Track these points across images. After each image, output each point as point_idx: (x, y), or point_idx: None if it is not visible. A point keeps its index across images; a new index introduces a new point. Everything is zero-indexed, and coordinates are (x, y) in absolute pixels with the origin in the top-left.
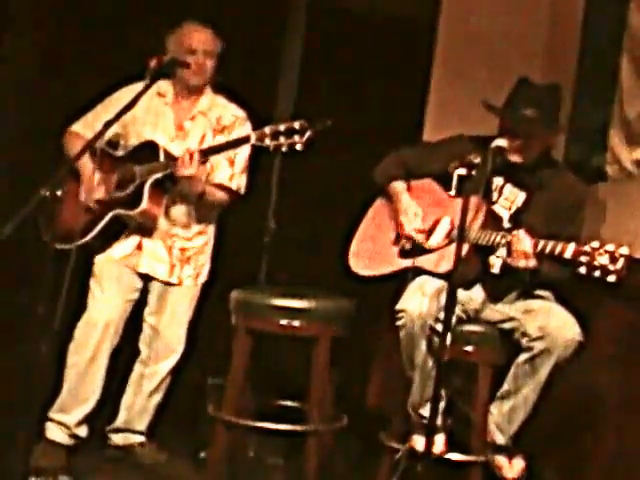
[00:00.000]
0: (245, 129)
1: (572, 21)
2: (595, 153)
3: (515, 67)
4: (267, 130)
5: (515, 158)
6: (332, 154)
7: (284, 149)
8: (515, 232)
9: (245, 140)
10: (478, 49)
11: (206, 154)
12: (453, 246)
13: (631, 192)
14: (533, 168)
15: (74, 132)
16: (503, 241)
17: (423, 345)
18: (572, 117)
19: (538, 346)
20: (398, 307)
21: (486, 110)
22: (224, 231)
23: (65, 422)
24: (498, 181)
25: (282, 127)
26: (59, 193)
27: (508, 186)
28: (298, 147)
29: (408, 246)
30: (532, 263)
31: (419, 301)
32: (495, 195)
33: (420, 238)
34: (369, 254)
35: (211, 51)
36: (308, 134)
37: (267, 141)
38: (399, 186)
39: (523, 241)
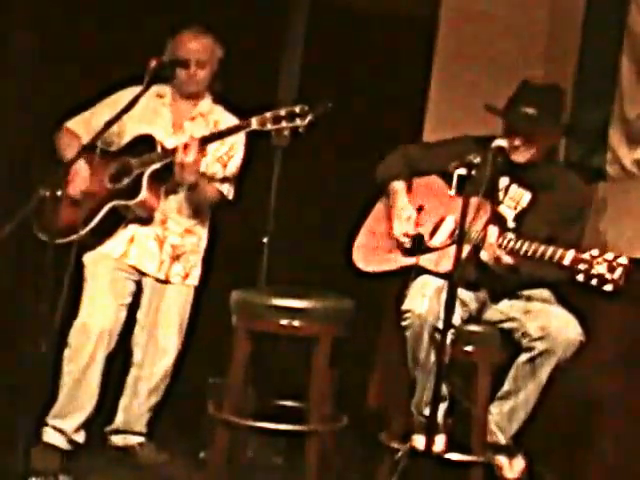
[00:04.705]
0: (240, 136)
1: (572, 21)
2: (595, 153)
3: (515, 67)
4: (268, 115)
5: (520, 158)
6: (332, 154)
7: (286, 133)
8: (489, 227)
9: (246, 125)
10: (478, 49)
11: (206, 142)
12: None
13: (631, 192)
14: (538, 168)
15: (69, 129)
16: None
17: (428, 345)
18: (572, 117)
19: (539, 346)
20: (404, 308)
21: (488, 112)
22: (224, 231)
23: (62, 428)
24: (504, 181)
25: (283, 112)
26: (59, 193)
27: (514, 186)
28: (300, 130)
29: (403, 247)
30: (505, 259)
31: (421, 302)
32: (501, 195)
33: (407, 242)
34: (373, 250)
35: (204, 61)
36: (310, 117)
37: (269, 125)
38: (398, 186)
39: (491, 235)
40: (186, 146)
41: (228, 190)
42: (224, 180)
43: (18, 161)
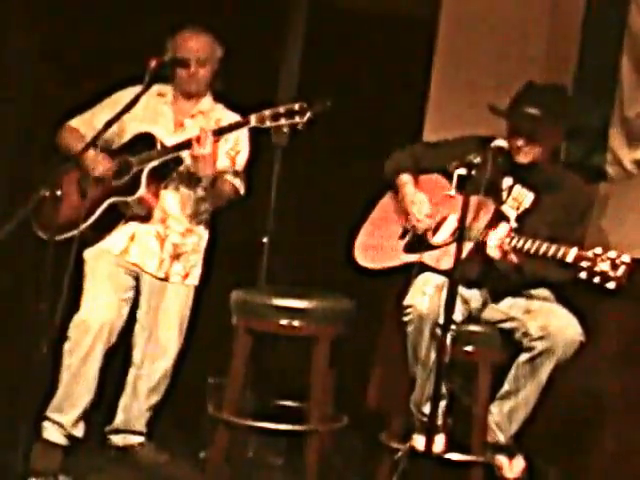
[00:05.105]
0: (243, 132)
1: (572, 21)
2: (595, 153)
3: (515, 67)
4: (267, 112)
5: (524, 159)
6: (332, 154)
7: (285, 130)
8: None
9: (245, 123)
10: (478, 49)
11: (217, 135)
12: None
13: (631, 192)
14: (542, 169)
15: (71, 127)
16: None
17: (428, 341)
18: (572, 117)
19: (539, 346)
20: (406, 303)
21: (492, 113)
22: (224, 231)
23: (61, 422)
24: (508, 181)
25: (282, 109)
26: (59, 193)
27: (517, 187)
28: (299, 127)
29: (419, 232)
30: (510, 255)
31: (422, 299)
32: (504, 195)
33: (431, 224)
34: (375, 247)
35: (204, 59)
36: (308, 115)
37: (268, 123)
38: (406, 178)
39: (498, 233)
40: (199, 139)
41: (240, 185)
42: (235, 174)
43: (18, 161)
